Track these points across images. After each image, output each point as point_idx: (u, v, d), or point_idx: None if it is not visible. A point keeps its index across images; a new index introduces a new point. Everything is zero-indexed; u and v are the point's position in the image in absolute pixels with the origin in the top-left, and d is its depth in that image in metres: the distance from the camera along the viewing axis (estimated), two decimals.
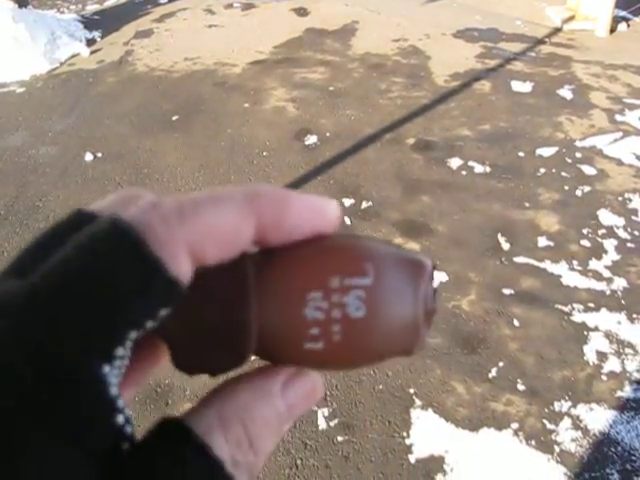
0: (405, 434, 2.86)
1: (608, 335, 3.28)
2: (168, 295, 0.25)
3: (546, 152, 4.79)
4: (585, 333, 3.29)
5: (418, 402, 3.00)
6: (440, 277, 3.68)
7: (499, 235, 3.96)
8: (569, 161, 4.67)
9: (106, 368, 0.24)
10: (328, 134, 5.17)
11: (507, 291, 3.56)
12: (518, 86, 5.78)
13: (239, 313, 0.28)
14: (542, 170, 4.58)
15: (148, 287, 0.24)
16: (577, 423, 2.86)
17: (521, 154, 4.78)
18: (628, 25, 7.08)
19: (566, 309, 3.43)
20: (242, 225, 0.27)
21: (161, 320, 0.26)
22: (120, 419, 0.24)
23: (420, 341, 0.31)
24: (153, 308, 0.25)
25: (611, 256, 3.77)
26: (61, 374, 0.23)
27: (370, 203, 4.32)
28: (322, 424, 2.93)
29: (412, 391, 3.05)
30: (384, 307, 0.29)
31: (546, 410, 2.92)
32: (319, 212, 0.31)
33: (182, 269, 0.25)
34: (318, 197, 0.31)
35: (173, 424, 0.27)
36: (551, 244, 3.87)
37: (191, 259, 0.26)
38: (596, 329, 3.31)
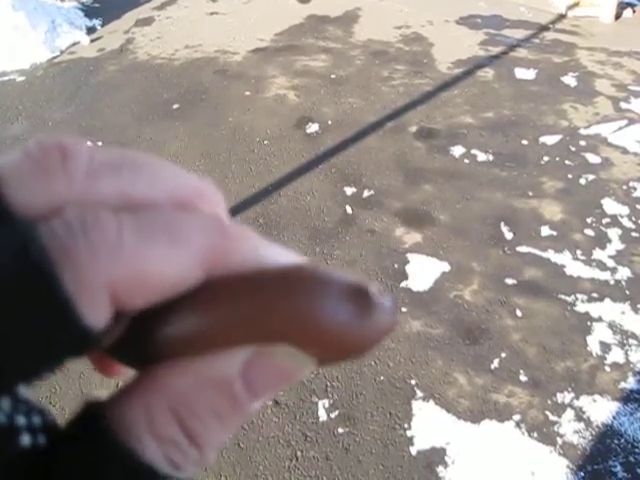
0: (406, 426, 2.84)
1: (612, 325, 3.25)
2: (77, 345, 0.21)
3: (550, 140, 4.74)
4: (588, 323, 3.26)
5: (419, 393, 2.98)
6: (442, 267, 3.65)
7: (502, 224, 3.93)
8: (573, 149, 4.62)
9: None
10: (330, 122, 5.13)
11: (510, 281, 3.53)
12: (522, 73, 5.72)
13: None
14: (546, 158, 4.54)
15: (54, 339, 0.20)
16: (580, 415, 2.84)
17: (524, 142, 4.74)
18: (633, 11, 6.99)
19: (569, 299, 3.40)
20: (189, 275, 0.22)
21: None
22: (24, 439, 0.21)
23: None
24: (55, 359, 0.21)
25: (615, 245, 3.73)
26: None
27: (372, 192, 4.29)
28: (322, 416, 2.91)
29: (413, 382, 3.03)
30: None
31: (549, 401, 2.90)
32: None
33: (98, 319, 0.21)
34: (288, 252, 0.26)
35: (92, 419, 0.23)
36: (554, 233, 3.84)
37: (111, 303, 0.21)
38: (600, 319, 3.28)
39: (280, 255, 0.25)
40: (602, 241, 3.78)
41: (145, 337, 0.24)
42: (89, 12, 7.90)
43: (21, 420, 0.21)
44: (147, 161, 0.24)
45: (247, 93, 5.69)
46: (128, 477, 0.22)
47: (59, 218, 0.21)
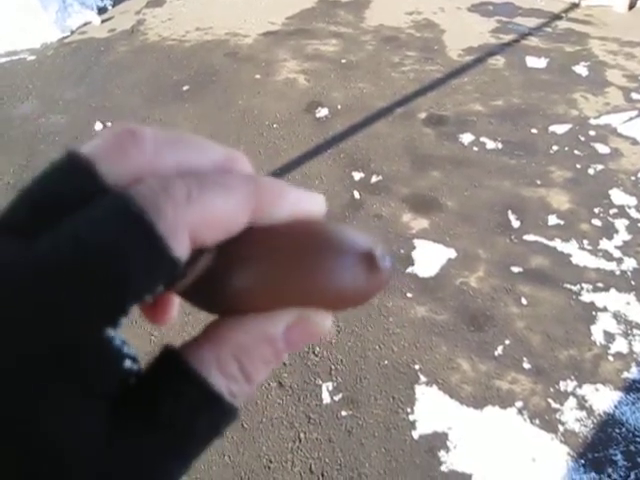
0: (409, 410, 2.86)
1: (616, 315, 3.25)
2: (170, 274, 0.28)
3: (559, 129, 4.73)
4: (593, 313, 3.27)
5: (423, 378, 3.00)
6: (449, 253, 3.66)
7: (509, 212, 3.93)
8: (582, 139, 4.61)
9: (111, 332, 0.27)
10: (339, 107, 5.13)
11: (516, 269, 3.54)
12: (533, 62, 5.70)
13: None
14: (555, 147, 4.53)
15: (155, 268, 0.27)
16: (582, 403, 2.85)
17: (534, 131, 4.72)
18: None
19: (575, 288, 3.40)
20: (240, 214, 0.30)
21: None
22: (127, 363, 0.28)
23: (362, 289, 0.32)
24: (156, 285, 0.28)
25: (622, 236, 3.73)
26: (71, 339, 0.25)
27: (380, 177, 4.29)
28: (326, 398, 2.93)
29: (417, 367, 3.05)
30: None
31: (551, 389, 2.91)
32: (306, 206, 0.33)
33: (183, 251, 0.28)
34: (308, 193, 0.34)
35: (172, 358, 0.30)
36: (561, 222, 3.84)
37: (190, 241, 0.28)
38: (604, 309, 3.29)
39: (306, 204, 0.33)
40: (609, 231, 3.78)
41: (214, 289, 0.31)
42: None
43: (126, 348, 0.28)
44: (194, 138, 0.32)
45: (257, 76, 5.69)
46: (202, 399, 0.29)
47: (144, 184, 0.28)
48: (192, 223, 0.28)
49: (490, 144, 4.59)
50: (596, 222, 3.84)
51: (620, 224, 3.82)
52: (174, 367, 0.29)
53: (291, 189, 0.32)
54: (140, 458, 0.27)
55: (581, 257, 3.60)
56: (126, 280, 0.26)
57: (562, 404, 2.85)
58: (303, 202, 0.33)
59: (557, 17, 6.66)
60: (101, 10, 7.48)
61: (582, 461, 2.64)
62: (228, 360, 0.30)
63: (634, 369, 2.98)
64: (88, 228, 0.26)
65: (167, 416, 0.28)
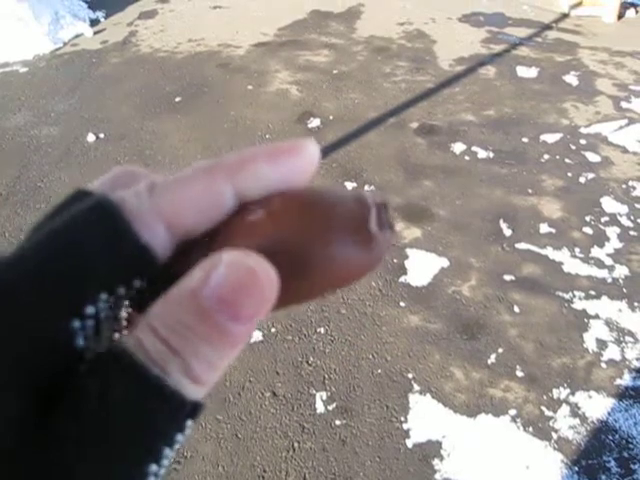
0: (403, 419, 2.86)
1: (609, 323, 3.27)
2: (139, 261, 0.29)
3: (550, 138, 4.76)
4: (585, 321, 3.28)
5: (416, 387, 3.00)
6: (441, 262, 3.67)
7: (501, 221, 3.94)
8: (573, 148, 4.64)
9: (76, 323, 0.26)
10: (331, 117, 5.14)
11: (508, 277, 3.55)
12: (523, 72, 5.74)
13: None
14: (546, 156, 4.55)
15: (116, 252, 0.28)
16: (575, 410, 2.85)
17: (525, 140, 4.75)
18: (636, 11, 7.01)
19: (567, 296, 3.42)
20: (212, 189, 0.30)
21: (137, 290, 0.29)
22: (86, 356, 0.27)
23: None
24: (123, 272, 0.28)
25: (613, 244, 3.75)
26: (32, 326, 0.26)
27: (372, 187, 4.30)
28: (320, 407, 2.93)
29: (411, 376, 3.05)
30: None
31: (544, 397, 2.92)
32: (288, 165, 0.33)
33: (156, 236, 0.29)
34: (289, 148, 0.33)
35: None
36: (553, 231, 3.86)
37: (168, 227, 0.29)
38: (597, 317, 3.30)
39: (285, 169, 0.33)
40: (600, 239, 3.79)
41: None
42: (92, 4, 7.91)
43: (90, 344, 0.28)
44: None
45: (249, 87, 5.71)
46: (128, 371, 0.26)
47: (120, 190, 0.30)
48: (161, 209, 0.29)
49: (482, 153, 4.61)
50: (587, 230, 3.86)
51: (611, 232, 3.84)
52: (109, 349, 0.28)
53: (260, 152, 0.32)
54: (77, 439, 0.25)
55: (573, 265, 3.61)
56: (89, 267, 0.27)
57: (555, 411, 2.86)
58: (281, 168, 0.32)
59: (547, 27, 6.72)
60: (93, 22, 7.49)
61: (576, 468, 2.64)
62: (141, 330, 0.27)
63: (627, 376, 2.99)
64: (62, 222, 0.28)
65: (95, 393, 0.26)
